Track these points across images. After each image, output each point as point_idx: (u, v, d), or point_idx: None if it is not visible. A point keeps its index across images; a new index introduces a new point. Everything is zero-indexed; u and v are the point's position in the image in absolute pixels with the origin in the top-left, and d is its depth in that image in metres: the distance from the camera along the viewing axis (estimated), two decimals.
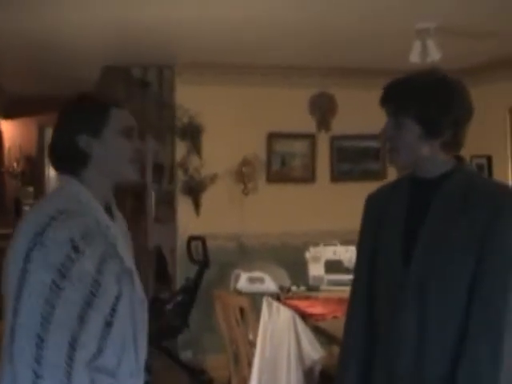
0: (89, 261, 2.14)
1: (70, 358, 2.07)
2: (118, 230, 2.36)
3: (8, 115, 10.80)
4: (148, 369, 2.48)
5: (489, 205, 2.35)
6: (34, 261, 2.09)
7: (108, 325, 2.18)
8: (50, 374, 2.06)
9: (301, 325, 4.82)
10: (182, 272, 7.48)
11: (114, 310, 2.19)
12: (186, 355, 7.50)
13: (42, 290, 2.07)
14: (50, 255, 2.09)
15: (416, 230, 2.47)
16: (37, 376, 2.05)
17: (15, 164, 11.13)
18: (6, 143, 11.15)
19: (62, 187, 2.33)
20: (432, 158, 2.47)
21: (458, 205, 2.39)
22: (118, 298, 2.21)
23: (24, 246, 2.11)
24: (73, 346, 2.08)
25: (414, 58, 5.62)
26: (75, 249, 2.11)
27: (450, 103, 2.43)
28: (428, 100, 2.42)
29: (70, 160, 2.32)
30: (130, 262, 2.34)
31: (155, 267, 8.80)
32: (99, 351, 2.16)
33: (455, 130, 2.44)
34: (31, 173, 11.20)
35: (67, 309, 2.08)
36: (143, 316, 2.38)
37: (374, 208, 2.73)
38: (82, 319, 2.10)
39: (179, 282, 7.49)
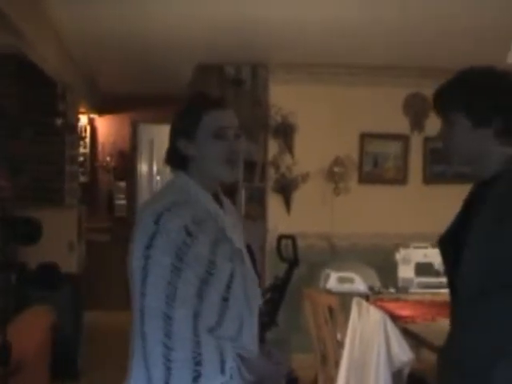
0: (203, 244, 2.33)
1: (196, 329, 2.28)
2: (225, 215, 2.52)
3: (103, 112, 11.00)
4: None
5: None
6: (154, 248, 2.29)
7: (225, 300, 2.36)
8: (181, 346, 2.26)
9: (391, 326, 4.77)
10: (270, 270, 7.47)
11: (228, 286, 2.37)
12: None
13: (164, 273, 2.28)
14: (168, 242, 2.29)
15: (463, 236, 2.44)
16: (169, 349, 2.26)
17: (108, 159, 11.32)
18: (101, 139, 11.35)
19: (173, 181, 2.53)
20: (487, 150, 2.42)
21: (493, 225, 2.31)
22: (232, 276, 2.38)
23: (145, 236, 2.32)
24: (196, 319, 2.29)
25: None
26: (189, 234, 2.30)
27: (495, 88, 2.41)
28: (472, 89, 2.42)
29: (175, 161, 2.54)
30: (239, 243, 2.51)
31: None
32: (218, 324, 2.36)
33: (505, 115, 2.38)
34: (124, 168, 11.37)
35: (187, 288, 2.29)
36: (256, 291, 2.55)
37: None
38: (200, 296, 2.31)
39: (268, 279, 7.50)
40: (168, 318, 2.26)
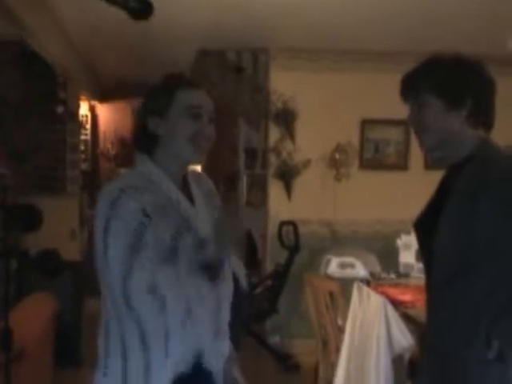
0: (163, 231, 2.28)
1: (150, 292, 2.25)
2: (188, 203, 2.46)
3: (103, 99, 10.99)
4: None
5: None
6: (111, 230, 2.25)
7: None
8: (141, 304, 2.24)
9: (391, 311, 4.77)
10: (272, 257, 7.50)
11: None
12: (274, 340, 7.53)
13: (121, 256, 2.23)
14: (125, 223, 2.25)
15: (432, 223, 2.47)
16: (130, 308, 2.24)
17: (110, 146, 11.33)
18: (102, 126, 11.36)
19: (136, 166, 2.47)
20: (460, 132, 2.44)
21: (467, 203, 2.33)
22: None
23: (102, 221, 2.28)
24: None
25: None
26: (148, 217, 2.27)
27: (467, 73, 2.45)
28: (444, 71, 2.46)
29: (143, 140, 2.47)
30: (205, 231, 2.43)
31: (245, 251, 8.85)
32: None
33: (477, 99, 2.42)
34: (124, 155, 11.37)
35: (144, 265, 2.23)
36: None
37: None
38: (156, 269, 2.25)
39: (269, 266, 7.52)
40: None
